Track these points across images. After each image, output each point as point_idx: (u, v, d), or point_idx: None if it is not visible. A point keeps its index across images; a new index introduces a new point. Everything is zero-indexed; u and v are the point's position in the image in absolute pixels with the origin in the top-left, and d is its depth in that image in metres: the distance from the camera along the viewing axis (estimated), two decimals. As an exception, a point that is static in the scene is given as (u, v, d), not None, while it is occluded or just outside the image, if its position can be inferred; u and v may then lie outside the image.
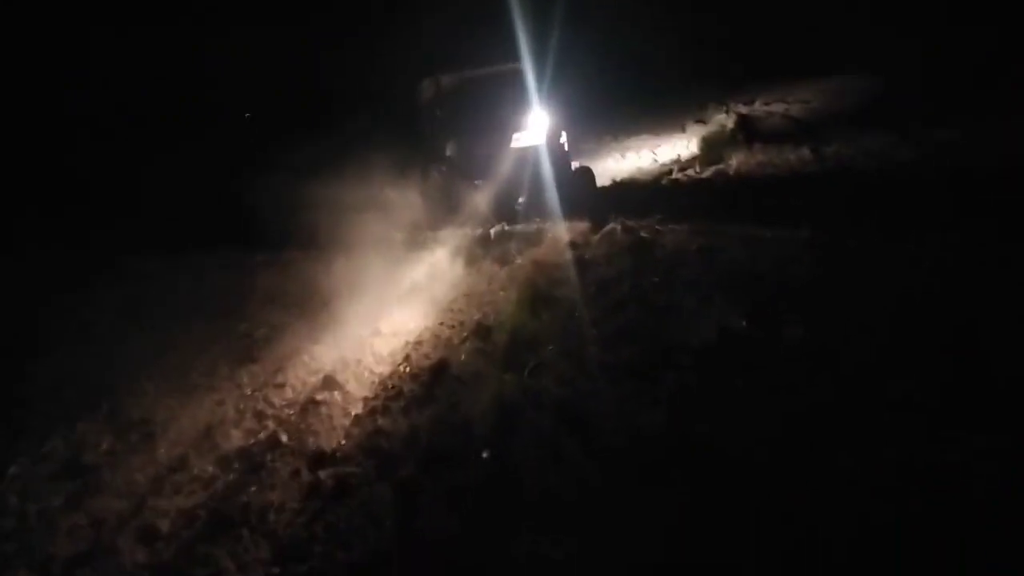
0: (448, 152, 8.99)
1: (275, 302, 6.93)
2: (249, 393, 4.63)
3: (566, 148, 9.05)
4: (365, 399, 4.28)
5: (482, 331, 4.94)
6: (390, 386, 4.40)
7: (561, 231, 7.35)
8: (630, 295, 5.21)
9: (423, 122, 9.47)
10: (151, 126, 13.97)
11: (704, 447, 3.11)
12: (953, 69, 11.83)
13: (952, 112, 9.62)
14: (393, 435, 3.67)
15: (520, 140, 8.50)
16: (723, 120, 12.58)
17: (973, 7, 13.20)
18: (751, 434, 3.11)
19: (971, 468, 2.66)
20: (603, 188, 9.63)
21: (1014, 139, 7.96)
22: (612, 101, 15.44)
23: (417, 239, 8.19)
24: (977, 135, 8.39)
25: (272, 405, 4.36)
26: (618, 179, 10.51)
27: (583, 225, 7.36)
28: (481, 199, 8.45)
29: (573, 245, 6.74)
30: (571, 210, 7.77)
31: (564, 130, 9.11)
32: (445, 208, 8.60)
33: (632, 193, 9.44)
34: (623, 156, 12.54)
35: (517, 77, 8.83)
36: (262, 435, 3.92)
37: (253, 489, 3.35)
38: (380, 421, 3.88)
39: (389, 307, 6.16)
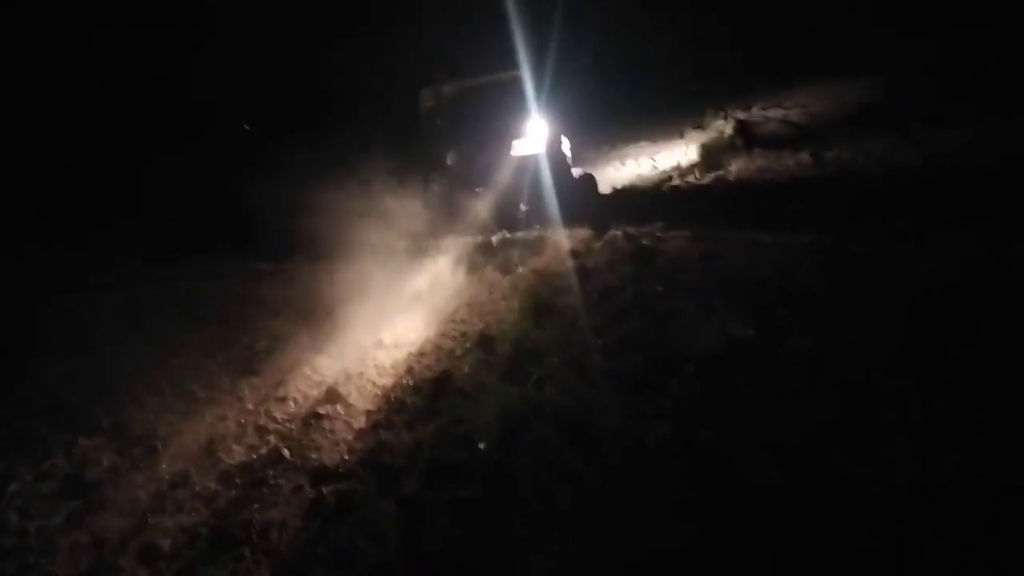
0: (449, 160, 9.00)
1: (277, 311, 6.91)
2: (251, 407, 4.60)
3: (567, 155, 9.05)
4: (368, 412, 4.25)
5: (485, 342, 4.91)
6: (393, 399, 4.37)
7: (562, 239, 7.33)
8: (632, 303, 5.18)
9: (423, 130, 9.49)
10: (151, 127, 13.95)
11: (708, 454, 3.08)
12: (954, 70, 11.83)
13: (953, 113, 9.61)
14: (396, 449, 3.64)
15: (520, 148, 8.51)
16: (722, 126, 12.57)
17: (973, 6, 13.20)
18: (756, 441, 3.08)
19: (971, 468, 2.65)
20: (604, 196, 9.63)
21: (1015, 139, 7.95)
22: (610, 108, 15.46)
23: (419, 247, 8.18)
24: (978, 136, 8.37)
25: (274, 419, 4.33)
26: (618, 186, 10.50)
27: (584, 232, 7.34)
28: (482, 207, 8.45)
29: (575, 253, 6.72)
30: (573, 217, 7.76)
31: (565, 137, 9.11)
32: (446, 216, 8.60)
33: (632, 200, 9.42)
34: (622, 163, 12.54)
35: (517, 85, 8.85)
36: (264, 450, 3.89)
37: (255, 506, 3.32)
38: (383, 435, 3.85)
39: (391, 317, 6.14)
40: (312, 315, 6.62)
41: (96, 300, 7.80)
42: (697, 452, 3.12)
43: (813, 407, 3.28)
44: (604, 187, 9.99)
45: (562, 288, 5.89)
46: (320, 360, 5.40)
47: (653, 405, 3.61)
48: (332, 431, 4.05)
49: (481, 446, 3.43)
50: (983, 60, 11.73)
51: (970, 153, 7.89)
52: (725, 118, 12.71)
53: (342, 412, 4.28)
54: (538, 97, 8.77)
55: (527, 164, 8.40)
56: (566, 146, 9.09)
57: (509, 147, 8.55)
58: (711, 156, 10.53)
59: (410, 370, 4.77)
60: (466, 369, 4.54)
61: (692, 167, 10.53)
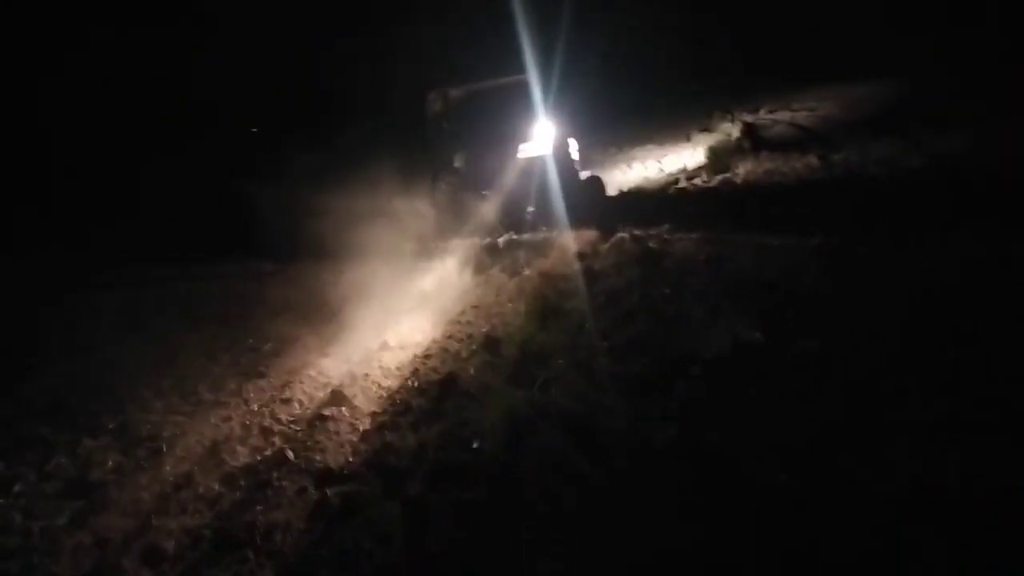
0: (456, 163, 9.02)
1: (283, 313, 6.91)
2: (256, 408, 4.58)
3: (574, 157, 9.05)
4: (373, 414, 4.23)
5: (491, 344, 4.89)
6: (398, 401, 4.35)
7: (569, 241, 7.32)
8: (639, 306, 5.16)
9: (431, 133, 9.54)
10: (152, 126, 13.99)
11: (715, 456, 3.06)
12: (962, 72, 11.79)
13: (962, 116, 9.57)
14: (401, 451, 3.62)
15: (527, 150, 8.53)
16: (729, 128, 12.54)
17: (979, 7, 13.15)
18: (762, 443, 3.06)
19: (971, 468, 2.63)
20: (610, 198, 9.62)
21: (1019, 140, 7.93)
22: (617, 111, 15.45)
23: (425, 248, 8.19)
24: (986, 139, 8.33)
25: (279, 421, 4.31)
26: (625, 189, 10.48)
27: (591, 234, 7.32)
28: (489, 209, 8.47)
29: (581, 255, 6.70)
30: (580, 219, 7.77)
31: (572, 139, 9.12)
32: (453, 218, 8.63)
33: (639, 203, 9.40)
34: (629, 166, 12.52)
35: (524, 88, 8.90)
36: (268, 452, 3.87)
37: (259, 508, 3.29)
38: (388, 437, 3.82)
39: (397, 318, 6.13)
40: (318, 316, 6.62)
41: (99, 300, 7.84)
42: (704, 454, 3.10)
43: (819, 409, 3.26)
44: (611, 189, 9.97)
45: (569, 290, 5.87)
46: (325, 362, 5.39)
47: (660, 408, 3.58)
48: (337, 433, 4.03)
49: (484, 448, 3.40)
50: (990, 60, 11.70)
51: (976, 154, 7.85)
52: (732, 120, 12.67)
53: (347, 414, 4.26)
54: (545, 99, 8.79)
55: (534, 166, 8.43)
56: (573, 148, 9.10)
57: (516, 149, 8.57)
58: (718, 158, 10.50)
59: (415, 372, 4.75)
60: (472, 371, 4.51)
61: (699, 169, 10.51)
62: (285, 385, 4.95)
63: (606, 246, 6.83)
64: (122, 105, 13.96)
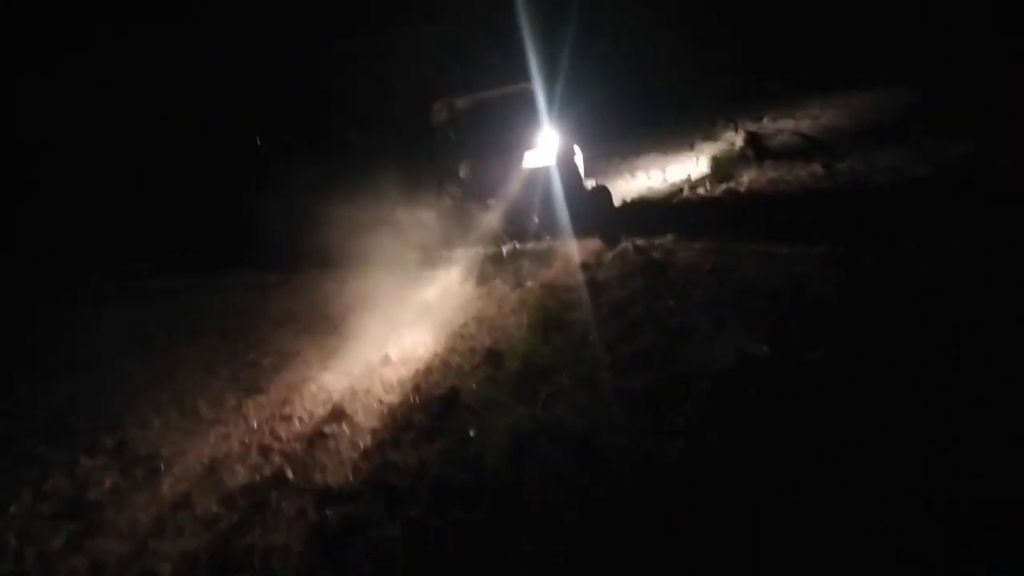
0: (461, 172, 9.01)
1: (284, 325, 6.88)
2: (255, 425, 4.52)
3: (580, 166, 9.02)
4: (374, 431, 4.16)
5: (493, 358, 4.83)
6: (400, 417, 4.28)
7: (573, 251, 7.27)
8: (644, 318, 5.10)
9: (436, 143, 9.53)
10: (152, 131, 13.95)
11: (720, 472, 3.02)
12: (969, 77, 11.74)
13: (968, 123, 9.52)
14: (402, 470, 3.55)
15: (532, 160, 8.52)
16: (732, 137, 12.50)
17: (984, 12, 13.12)
18: (769, 458, 3.01)
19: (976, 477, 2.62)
20: (615, 208, 9.56)
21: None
22: (620, 120, 15.41)
23: (429, 259, 8.15)
24: (993, 147, 8.27)
25: (279, 439, 4.25)
26: (628, 199, 10.43)
27: (595, 245, 7.27)
28: (493, 218, 8.45)
29: (585, 266, 6.65)
30: (584, 229, 7.73)
31: (577, 148, 9.10)
32: (458, 227, 8.60)
33: (643, 213, 9.35)
34: (632, 175, 12.46)
35: (528, 97, 8.91)
36: (268, 471, 3.81)
37: (257, 530, 3.22)
38: (389, 455, 3.76)
39: (400, 330, 6.08)
40: (319, 328, 6.58)
41: (99, 314, 7.79)
42: (709, 470, 3.04)
43: (826, 421, 3.22)
44: (615, 199, 9.92)
45: (572, 302, 5.81)
46: (326, 376, 5.33)
47: (665, 424, 3.52)
48: (337, 451, 3.96)
49: (486, 466, 3.34)
50: (996, 65, 11.65)
51: (982, 162, 7.80)
52: (735, 129, 12.64)
53: (347, 431, 4.19)
54: (550, 108, 8.79)
55: (538, 176, 8.40)
56: (579, 157, 9.06)
57: (521, 159, 8.56)
58: (722, 168, 10.45)
59: (417, 387, 4.69)
60: (474, 386, 4.45)
61: (702, 179, 10.45)
62: (285, 401, 4.89)
63: (610, 256, 6.78)
64: (122, 105, 13.91)
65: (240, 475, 3.83)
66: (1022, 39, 12.00)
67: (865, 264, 5.37)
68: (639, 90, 16.37)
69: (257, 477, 3.77)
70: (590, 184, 9.31)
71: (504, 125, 8.92)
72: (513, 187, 8.51)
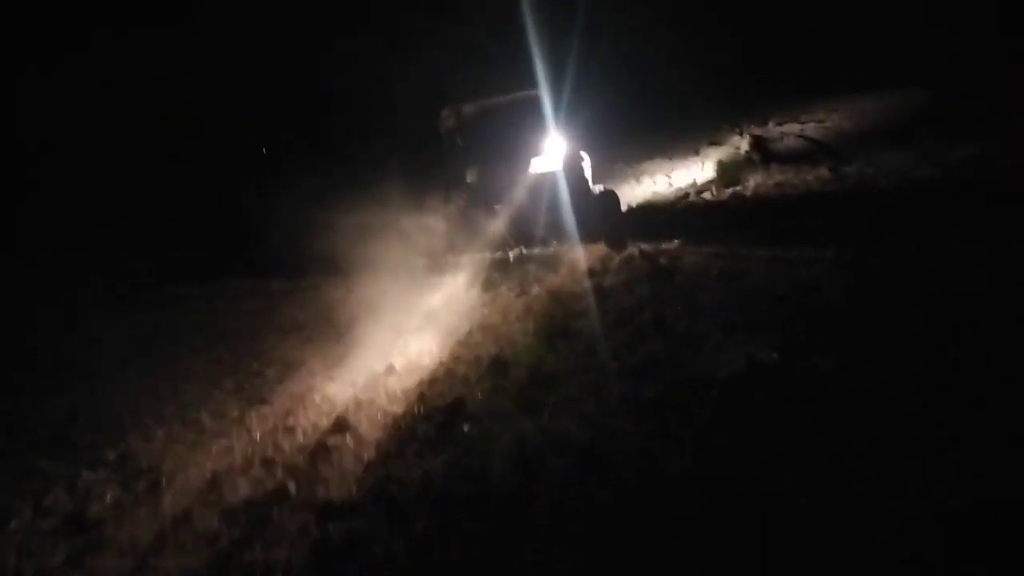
0: (468, 179, 9.02)
1: (289, 333, 6.85)
2: (258, 437, 4.46)
3: (586, 172, 9.01)
4: (377, 443, 4.09)
5: (499, 367, 4.77)
6: (404, 428, 4.22)
7: (579, 257, 7.23)
8: (651, 325, 5.04)
9: (444, 149, 9.55)
10: (152, 127, 13.91)
11: (728, 480, 2.98)
12: (975, 79, 11.67)
13: (975, 125, 9.44)
14: (407, 483, 3.48)
15: (539, 166, 8.53)
16: (738, 142, 12.44)
17: (990, 13, 13.04)
18: (778, 464, 2.96)
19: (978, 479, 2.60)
20: (621, 213, 9.53)
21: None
22: (624, 123, 15.36)
23: (436, 265, 8.13)
24: (1000, 149, 8.20)
25: (282, 451, 4.19)
26: (634, 204, 10.38)
27: (602, 250, 7.22)
28: (500, 225, 8.45)
29: (591, 272, 6.60)
30: (591, 235, 7.72)
31: (584, 153, 9.08)
32: (464, 234, 8.60)
33: (649, 218, 9.30)
34: (638, 181, 12.41)
35: (535, 104, 8.94)
36: (270, 485, 3.74)
37: (258, 546, 3.16)
38: (393, 468, 3.69)
39: (405, 338, 6.03)
40: (324, 337, 6.54)
41: (103, 323, 7.76)
42: (717, 477, 2.98)
43: (834, 426, 3.19)
44: (621, 204, 9.89)
45: (578, 309, 5.76)
46: (330, 387, 5.28)
47: (674, 433, 3.45)
48: (341, 463, 3.89)
49: (492, 478, 3.28)
50: (1003, 67, 11.58)
51: (988, 164, 7.73)
52: (741, 134, 12.59)
53: (351, 443, 4.13)
54: (557, 114, 8.80)
55: (545, 182, 8.40)
56: (586, 163, 9.04)
57: (528, 165, 8.58)
58: (728, 172, 10.39)
59: (422, 397, 4.62)
60: (479, 396, 4.38)
61: (709, 184, 10.39)
62: (289, 412, 4.84)
63: (616, 262, 6.73)
64: (122, 105, 13.89)
65: (242, 489, 3.76)
66: (1022, 39, 11.92)
67: (873, 267, 5.33)
68: (642, 93, 16.33)
69: (259, 491, 3.71)
70: (597, 189, 9.28)
71: (511, 132, 8.97)
72: (520, 193, 8.53)
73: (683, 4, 17.28)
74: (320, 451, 4.07)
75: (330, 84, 14.70)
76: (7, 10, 13.82)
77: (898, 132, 10.55)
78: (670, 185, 11.41)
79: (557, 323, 5.48)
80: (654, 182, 12.02)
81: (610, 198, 9.08)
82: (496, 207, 8.69)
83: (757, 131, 12.64)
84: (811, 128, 12.89)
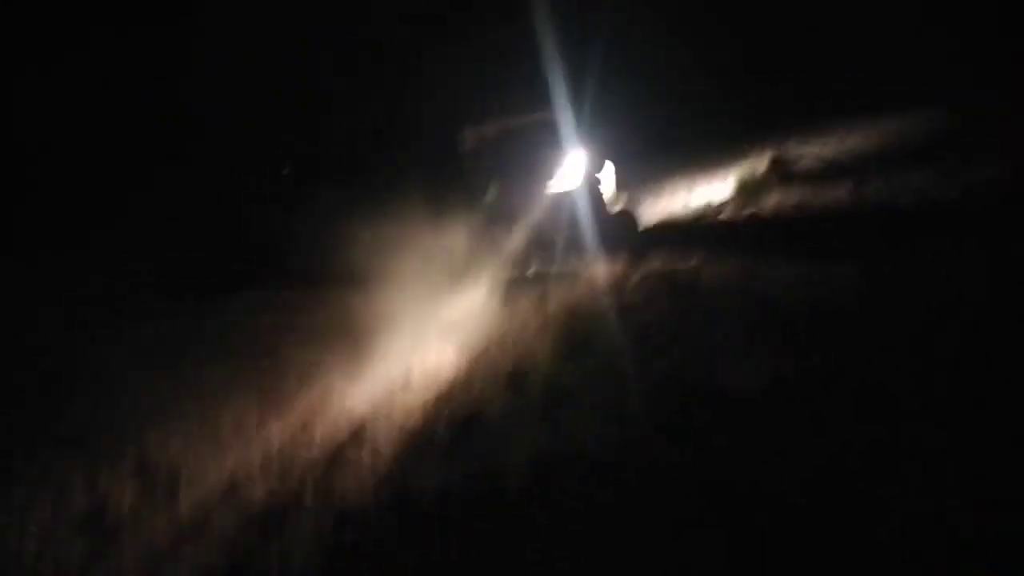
0: (488, 195, 9.07)
1: (308, 343, 6.86)
2: (276, 446, 4.48)
3: (607, 187, 9.04)
4: (394, 454, 4.09)
5: (516, 380, 4.76)
6: (420, 440, 4.22)
7: (598, 273, 7.23)
8: (670, 340, 5.02)
9: (464, 167, 9.62)
10: (153, 127, 13.96)
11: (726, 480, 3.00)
12: (998, 98, 11.59)
13: (998, 145, 9.36)
14: (422, 494, 3.48)
15: (558, 184, 8.58)
16: (757, 160, 12.40)
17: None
18: (780, 469, 2.95)
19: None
20: (640, 229, 9.52)
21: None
22: (645, 142, 15.36)
23: (455, 279, 8.15)
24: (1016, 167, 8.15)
25: (299, 459, 4.20)
26: (653, 220, 10.35)
27: (621, 267, 7.21)
28: (519, 241, 8.48)
29: (610, 288, 6.59)
30: (610, 251, 7.73)
31: (604, 171, 9.11)
32: (483, 250, 8.63)
33: (668, 234, 9.28)
34: (657, 197, 12.38)
35: (555, 123, 8.97)
36: (287, 492, 3.75)
37: (274, 552, 3.16)
38: (408, 477, 3.69)
39: (423, 351, 6.03)
40: (343, 347, 6.54)
41: (126, 330, 7.82)
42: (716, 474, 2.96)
43: (833, 427, 3.22)
44: (639, 221, 9.88)
45: (596, 325, 5.75)
46: (348, 397, 5.29)
47: (693, 449, 3.43)
48: (357, 474, 3.90)
49: (508, 492, 3.28)
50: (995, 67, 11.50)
51: (1012, 184, 7.66)
52: (760, 152, 12.54)
53: (368, 453, 4.13)
54: (577, 132, 8.85)
55: (565, 200, 8.46)
56: (606, 180, 9.06)
57: (547, 182, 8.62)
58: (747, 190, 10.36)
59: (439, 409, 4.62)
60: (496, 409, 4.38)
61: (728, 201, 10.36)
62: (306, 421, 4.85)
63: (635, 278, 6.71)
64: (122, 105, 13.96)
65: (259, 495, 3.78)
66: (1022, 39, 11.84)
67: (893, 282, 5.29)
68: (661, 109, 16.31)
69: (275, 498, 3.72)
70: (617, 206, 9.29)
71: (531, 151, 9.03)
72: (539, 211, 8.56)
73: (701, 24, 17.31)
74: (337, 460, 4.08)
75: (326, 78, 14.70)
76: (7, 10, 13.95)
77: (921, 151, 10.48)
78: (689, 201, 11.38)
79: (575, 337, 5.47)
80: (673, 199, 12.00)
81: (628, 216, 9.09)
82: (515, 224, 8.74)
83: (777, 149, 12.60)
84: (831, 147, 12.83)
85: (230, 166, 13.01)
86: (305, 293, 9.11)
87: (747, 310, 5.36)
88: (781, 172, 11.18)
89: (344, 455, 4.13)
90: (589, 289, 6.78)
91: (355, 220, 9.59)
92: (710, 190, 11.84)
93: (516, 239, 8.55)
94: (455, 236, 9.12)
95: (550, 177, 8.70)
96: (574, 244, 8.18)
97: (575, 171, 8.69)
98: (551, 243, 8.35)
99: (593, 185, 8.72)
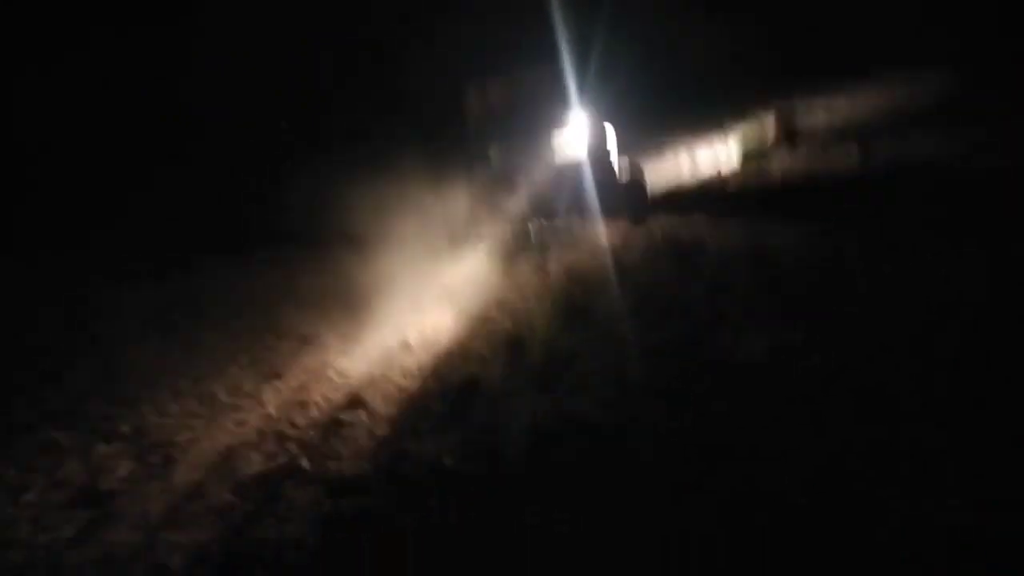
0: (492, 153, 8.91)
1: (306, 306, 6.81)
2: (272, 412, 4.43)
3: (610, 147, 8.87)
4: (391, 419, 4.04)
5: (515, 345, 4.70)
6: (418, 405, 4.17)
7: (600, 233, 7.12)
8: (672, 305, 4.93)
9: (468, 125, 9.43)
10: (154, 125, 13.92)
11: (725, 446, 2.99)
12: (1008, 62, 11.33)
13: (1005, 109, 9.17)
14: (419, 460, 3.43)
15: (562, 141, 8.42)
16: (763, 120, 12.20)
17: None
18: (780, 469, 2.88)
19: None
20: (644, 189, 9.40)
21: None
22: (651, 101, 15.11)
23: (456, 240, 8.06)
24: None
25: (295, 425, 4.16)
26: (658, 181, 10.21)
27: (623, 227, 7.11)
28: (522, 201, 8.37)
29: (612, 249, 6.49)
30: (614, 210, 7.61)
31: (609, 126, 8.94)
32: (486, 209, 8.52)
33: (673, 195, 9.16)
34: (662, 158, 12.21)
35: (558, 78, 8.79)
36: (283, 459, 3.71)
37: (270, 521, 3.12)
38: (406, 444, 3.64)
39: (421, 313, 5.98)
40: (341, 309, 6.49)
41: (121, 297, 7.76)
42: (732, 476, 2.90)
43: (833, 427, 3.13)
44: (645, 180, 9.75)
45: (597, 287, 5.66)
46: (345, 361, 5.26)
47: (692, 419, 3.36)
48: (354, 439, 3.85)
49: (505, 459, 3.23)
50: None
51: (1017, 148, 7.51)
52: (767, 112, 12.33)
53: (365, 419, 4.09)
54: (580, 89, 8.67)
55: (568, 157, 8.33)
56: (610, 137, 8.90)
57: (552, 140, 8.47)
58: (753, 151, 10.21)
59: (436, 374, 4.57)
60: (495, 374, 4.31)
61: (734, 162, 10.22)
62: (303, 387, 4.81)
63: (638, 239, 6.61)
64: (122, 105, 13.90)
65: (255, 463, 3.73)
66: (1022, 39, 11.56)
67: (898, 249, 5.22)
68: (667, 71, 16.02)
69: (271, 465, 3.67)
70: (622, 163, 9.13)
71: (535, 107, 8.85)
72: (542, 169, 8.41)
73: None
74: (333, 427, 4.03)
75: (344, 61, 14.60)
76: (7, 10, 13.80)
77: (929, 113, 10.29)
78: (695, 162, 11.23)
79: (575, 301, 5.40)
80: (678, 159, 11.84)
81: (635, 173, 8.94)
82: (518, 183, 8.60)
83: (784, 110, 12.38)
84: (839, 107, 12.62)
85: (230, 166, 12.93)
86: (302, 255, 9.04)
87: (750, 277, 5.27)
88: (788, 131, 11.01)
89: (341, 420, 4.08)
90: (591, 249, 6.68)
91: (354, 181, 9.48)
92: (716, 148, 11.68)
93: (519, 197, 8.42)
94: (455, 198, 9.00)
95: (555, 134, 8.52)
96: (577, 208, 8.05)
97: (578, 133, 8.51)
98: (554, 201, 8.21)
99: (599, 140, 8.55)
